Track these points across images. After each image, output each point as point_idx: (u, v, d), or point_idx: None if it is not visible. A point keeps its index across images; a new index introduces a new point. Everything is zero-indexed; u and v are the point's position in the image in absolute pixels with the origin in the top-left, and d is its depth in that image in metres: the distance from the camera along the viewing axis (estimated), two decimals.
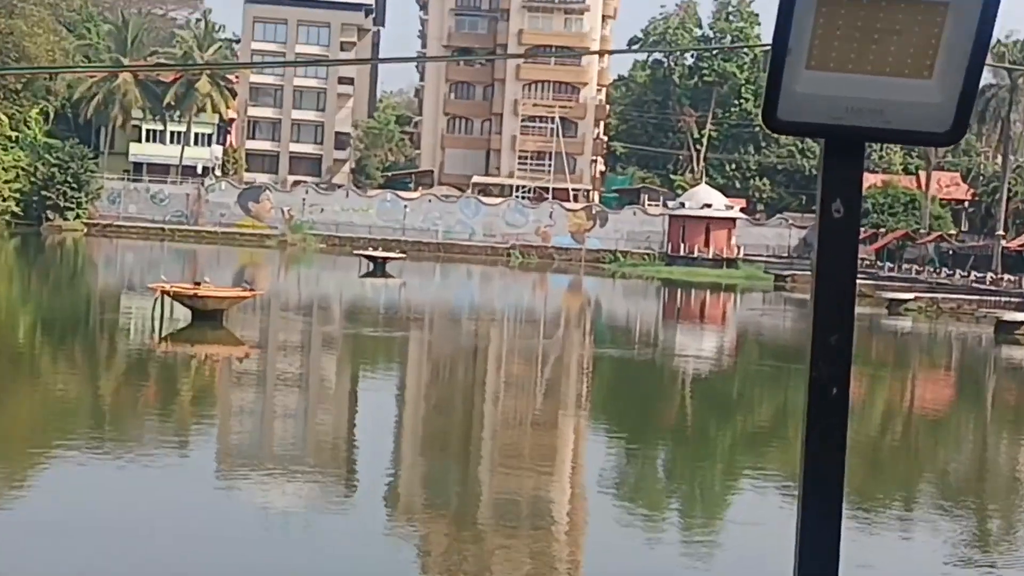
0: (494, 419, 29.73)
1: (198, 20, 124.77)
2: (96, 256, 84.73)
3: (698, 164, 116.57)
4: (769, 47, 2.62)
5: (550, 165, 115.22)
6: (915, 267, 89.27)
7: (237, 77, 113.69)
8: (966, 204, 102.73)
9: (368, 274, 77.04)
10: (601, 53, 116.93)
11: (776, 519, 19.45)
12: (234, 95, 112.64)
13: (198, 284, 43.72)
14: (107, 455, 22.04)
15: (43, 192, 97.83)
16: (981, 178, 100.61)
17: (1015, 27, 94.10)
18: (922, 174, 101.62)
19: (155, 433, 24.64)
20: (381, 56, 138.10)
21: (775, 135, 2.80)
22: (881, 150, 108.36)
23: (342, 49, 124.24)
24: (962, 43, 2.59)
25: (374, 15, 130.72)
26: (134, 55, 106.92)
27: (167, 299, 41.89)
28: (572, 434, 28.94)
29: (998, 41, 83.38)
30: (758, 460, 26.29)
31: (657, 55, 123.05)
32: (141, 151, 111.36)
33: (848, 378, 2.68)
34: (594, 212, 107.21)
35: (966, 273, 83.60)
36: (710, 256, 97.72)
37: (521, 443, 26.48)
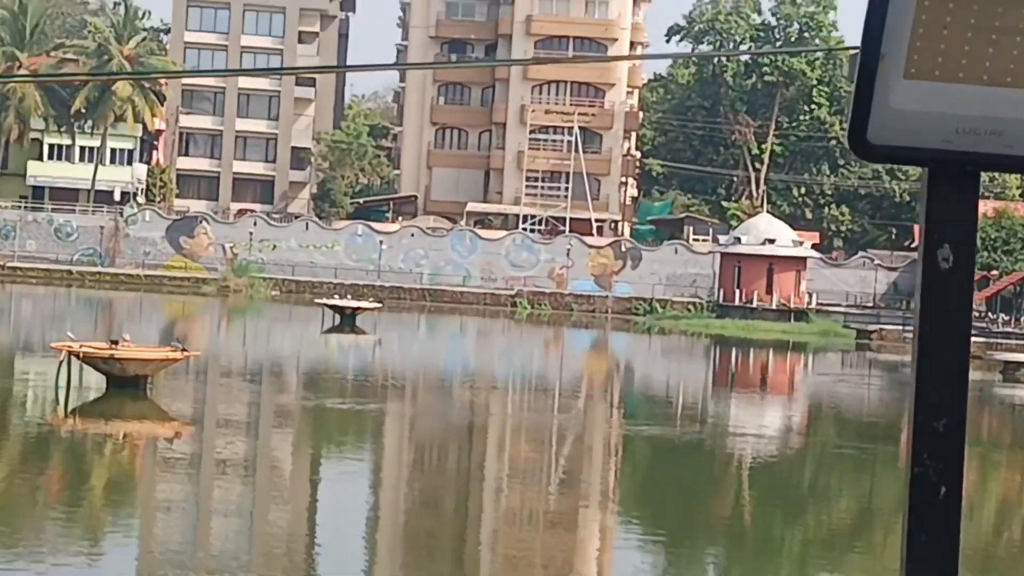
0: (495, 517, 29.64)
1: (117, 4, 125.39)
2: None
3: (757, 188, 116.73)
4: (856, 50, 2.62)
5: (567, 189, 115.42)
6: None
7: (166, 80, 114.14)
8: None
9: (333, 328, 76.98)
10: (633, 58, 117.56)
11: None
12: (162, 100, 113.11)
13: (115, 343, 43.68)
14: None
15: None
16: None
17: None
18: None
19: (59, 536, 24.58)
20: (349, 55, 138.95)
21: (864, 161, 2.83)
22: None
23: (300, 40, 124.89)
24: None
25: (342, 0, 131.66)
26: (34, 48, 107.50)
27: (75, 362, 41.85)
28: (596, 537, 28.84)
29: None
30: (837, 572, 26.17)
31: (705, 47, 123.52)
32: (43, 172, 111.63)
33: (961, 475, 2.66)
34: (624, 249, 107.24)
35: None
36: (774, 306, 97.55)
37: (530, 549, 26.38)
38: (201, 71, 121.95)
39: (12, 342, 64.19)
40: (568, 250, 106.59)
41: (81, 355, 42.04)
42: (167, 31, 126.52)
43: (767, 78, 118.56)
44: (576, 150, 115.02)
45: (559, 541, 27.62)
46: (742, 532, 30.42)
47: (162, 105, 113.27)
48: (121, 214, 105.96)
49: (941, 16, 2.58)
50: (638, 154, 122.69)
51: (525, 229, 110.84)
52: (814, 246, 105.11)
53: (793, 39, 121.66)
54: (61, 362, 41.63)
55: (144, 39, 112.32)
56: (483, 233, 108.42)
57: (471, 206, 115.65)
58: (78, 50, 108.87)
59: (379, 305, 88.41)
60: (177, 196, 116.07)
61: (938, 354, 2.70)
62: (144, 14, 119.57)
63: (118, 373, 41.76)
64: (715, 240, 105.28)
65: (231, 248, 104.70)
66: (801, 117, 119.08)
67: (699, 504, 33.03)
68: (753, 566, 26.55)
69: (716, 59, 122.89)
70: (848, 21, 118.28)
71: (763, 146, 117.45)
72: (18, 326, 73.91)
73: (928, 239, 2.69)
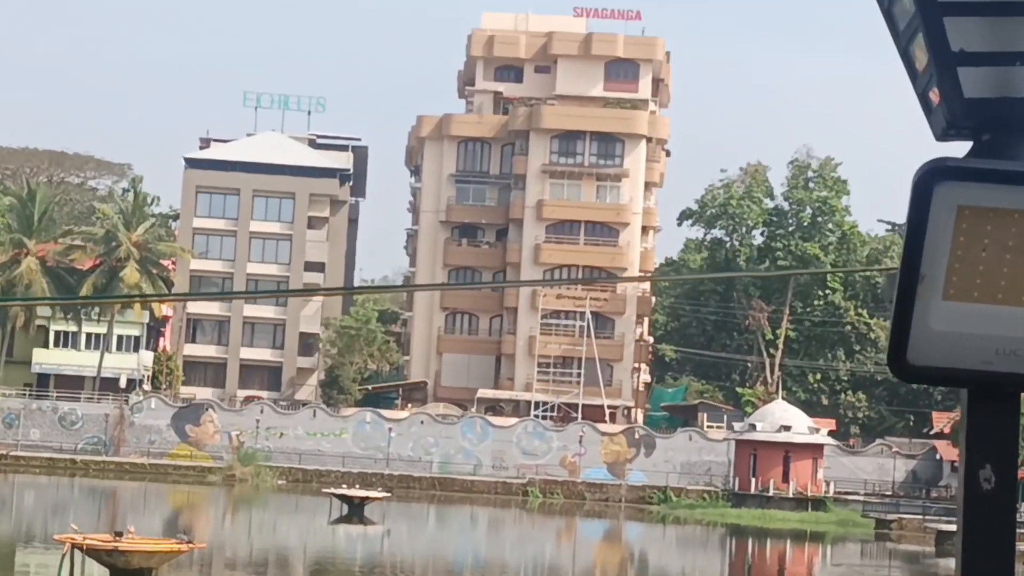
0: None
1: (125, 191, 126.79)
2: None
3: (772, 374, 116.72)
4: (896, 271, 2.70)
5: (579, 375, 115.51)
6: None
7: (174, 263, 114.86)
8: None
9: (342, 519, 76.60)
10: (651, 279, 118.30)
11: None
12: (170, 286, 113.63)
13: (119, 534, 43.56)
14: None
15: None
16: None
17: None
18: None
19: None
20: (364, 241, 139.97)
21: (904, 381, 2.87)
22: None
23: (310, 226, 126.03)
24: None
25: (351, 183, 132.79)
26: (42, 235, 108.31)
27: (79, 554, 41.60)
28: None
29: None
30: None
31: (717, 234, 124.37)
32: (48, 359, 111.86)
33: None
34: (637, 437, 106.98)
35: None
36: (791, 495, 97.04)
37: None
38: (202, 294, 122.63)
39: (14, 534, 63.82)
40: (580, 437, 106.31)
41: (84, 547, 41.88)
42: (176, 217, 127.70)
43: (780, 262, 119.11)
44: (588, 335, 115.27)
45: None
46: None
47: (169, 291, 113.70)
48: (127, 402, 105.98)
49: (979, 239, 2.65)
50: (651, 339, 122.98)
51: (537, 416, 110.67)
52: (831, 433, 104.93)
53: (806, 224, 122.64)
54: (64, 555, 41.46)
55: (152, 225, 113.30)
56: (494, 420, 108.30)
57: (482, 392, 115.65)
58: (86, 236, 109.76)
59: (388, 494, 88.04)
60: (183, 383, 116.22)
61: (983, 571, 2.73)
62: (153, 200, 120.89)
63: (122, 566, 41.55)
64: (730, 427, 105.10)
65: (237, 436, 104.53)
66: (816, 302, 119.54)
67: None
68: None
69: (729, 242, 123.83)
70: (859, 206, 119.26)
71: (777, 331, 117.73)
72: (20, 517, 73.51)
73: (969, 460, 2.75)
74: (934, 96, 2.84)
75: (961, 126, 2.81)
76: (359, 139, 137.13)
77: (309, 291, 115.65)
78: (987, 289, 2.69)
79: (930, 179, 2.66)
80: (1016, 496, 2.83)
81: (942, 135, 2.85)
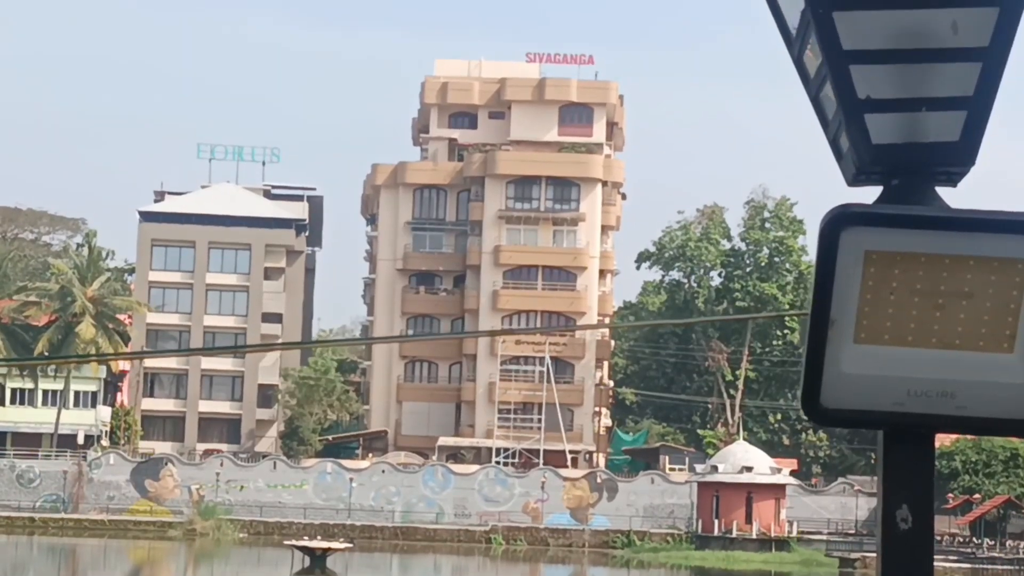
0: None
1: (79, 245, 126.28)
2: None
3: (733, 415, 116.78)
4: (807, 315, 2.77)
5: (540, 420, 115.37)
6: (1023, 543, 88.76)
7: (130, 317, 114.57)
8: None
9: (303, 572, 76.33)
10: (610, 327, 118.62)
11: None
12: (126, 341, 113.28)
13: None
14: None
15: None
16: None
17: None
18: None
19: None
20: (320, 291, 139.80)
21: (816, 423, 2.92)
22: None
23: (266, 277, 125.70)
24: None
25: (307, 233, 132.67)
26: None
27: None
28: None
29: None
30: None
31: (675, 276, 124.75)
32: (4, 416, 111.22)
33: None
34: (599, 481, 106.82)
35: None
36: (754, 536, 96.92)
37: None
38: (159, 352, 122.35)
39: None
40: (543, 483, 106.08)
41: None
42: (131, 270, 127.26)
43: (739, 303, 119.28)
44: (548, 381, 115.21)
45: None
46: None
47: (127, 346, 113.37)
48: (85, 458, 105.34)
49: (888, 282, 2.71)
50: (611, 383, 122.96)
51: (498, 462, 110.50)
52: (792, 473, 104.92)
53: (763, 264, 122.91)
54: None
55: (108, 280, 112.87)
56: (456, 468, 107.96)
57: (442, 440, 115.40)
58: (41, 292, 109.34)
59: (350, 545, 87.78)
60: (142, 438, 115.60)
61: None
62: (108, 254, 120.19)
63: None
64: (692, 469, 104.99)
65: (197, 490, 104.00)
66: (774, 342, 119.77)
67: None
68: None
69: (687, 284, 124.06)
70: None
71: (737, 372, 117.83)
72: None
73: (887, 501, 2.82)
74: (843, 143, 2.91)
75: (870, 171, 2.87)
76: (314, 188, 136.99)
77: (266, 346, 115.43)
78: (897, 332, 2.73)
79: (836, 225, 2.70)
80: (932, 535, 2.85)
81: (853, 181, 2.91)
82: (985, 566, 79.05)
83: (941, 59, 2.79)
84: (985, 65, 2.79)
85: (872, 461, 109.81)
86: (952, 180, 2.87)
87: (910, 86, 2.81)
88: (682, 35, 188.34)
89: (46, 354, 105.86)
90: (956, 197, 2.88)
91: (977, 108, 2.81)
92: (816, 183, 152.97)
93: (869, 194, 2.88)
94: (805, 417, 2.81)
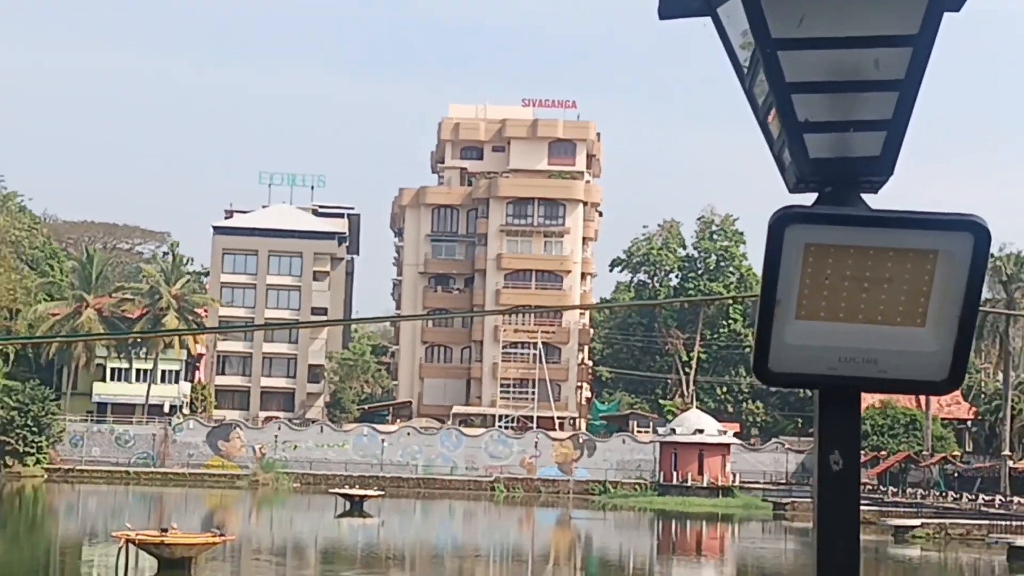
0: None
1: (165, 253, 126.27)
2: (56, 504, 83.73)
3: (688, 388, 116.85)
4: (757, 297, 2.76)
5: (533, 392, 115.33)
6: (920, 491, 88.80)
7: (206, 311, 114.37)
8: (969, 424, 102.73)
9: (345, 514, 76.22)
10: (584, 308, 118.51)
11: None
12: (200, 334, 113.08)
13: (164, 531, 43.28)
14: None
15: (1, 438, 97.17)
16: (983, 396, 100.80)
17: (1008, 240, 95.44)
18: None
19: None
20: (358, 291, 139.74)
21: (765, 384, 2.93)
22: None
23: (315, 279, 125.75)
24: (953, 291, 2.73)
25: (347, 243, 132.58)
26: (98, 291, 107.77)
27: (132, 548, 41.38)
28: None
29: (992, 255, 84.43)
30: None
31: (642, 277, 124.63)
32: (105, 391, 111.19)
33: None
34: (581, 441, 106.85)
35: (973, 496, 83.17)
36: (704, 484, 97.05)
37: None
38: (227, 327, 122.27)
39: (79, 533, 63.38)
40: (536, 443, 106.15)
41: (136, 542, 41.63)
42: (206, 274, 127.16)
43: (691, 303, 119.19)
44: (540, 361, 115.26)
45: None
46: None
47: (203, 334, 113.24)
48: (169, 424, 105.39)
49: (823, 270, 2.71)
50: (590, 363, 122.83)
51: (500, 426, 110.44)
52: (736, 434, 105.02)
53: (712, 268, 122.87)
54: (120, 548, 41.21)
55: (188, 281, 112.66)
56: (466, 431, 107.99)
57: (456, 409, 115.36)
58: (134, 291, 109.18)
59: (382, 493, 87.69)
60: (215, 407, 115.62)
61: (833, 535, 2.80)
62: (188, 260, 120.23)
63: (167, 556, 41.32)
64: (655, 432, 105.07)
65: (259, 449, 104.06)
66: (721, 330, 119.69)
67: None
68: None
69: (651, 284, 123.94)
70: (755, 251, 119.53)
71: (691, 354, 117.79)
72: (84, 519, 72.99)
73: (821, 447, 2.81)
74: (786, 158, 2.89)
75: (808, 181, 2.85)
76: (353, 208, 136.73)
77: (306, 323, 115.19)
78: (830, 310, 2.73)
79: (782, 223, 2.70)
80: (859, 475, 2.86)
81: (794, 188, 2.89)
82: (890, 508, 79.00)
83: (866, 89, 2.79)
84: (901, 94, 2.79)
85: (799, 425, 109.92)
86: (874, 188, 2.86)
87: (840, 111, 2.80)
88: (649, 83, 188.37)
89: (138, 340, 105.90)
90: (877, 201, 2.87)
91: (895, 129, 2.81)
92: (754, 203, 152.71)
93: (807, 199, 2.87)
94: (756, 380, 2.82)
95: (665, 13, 2.91)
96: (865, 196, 2.85)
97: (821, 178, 2.83)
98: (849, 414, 2.84)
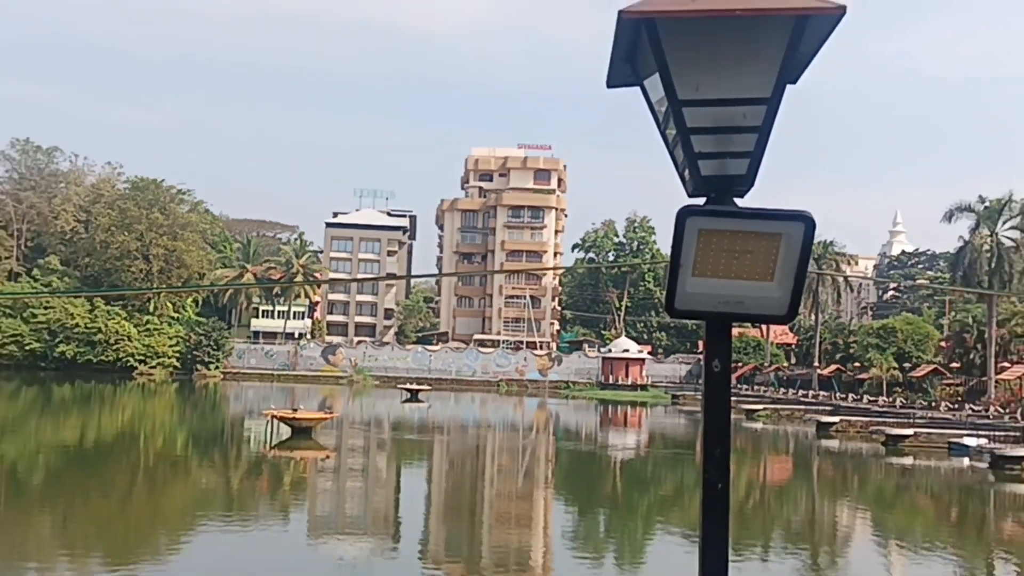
0: (491, 492, 29.34)
1: (295, 238, 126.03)
2: (228, 394, 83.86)
3: (620, 324, 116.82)
4: (667, 262, 2.75)
5: (524, 326, 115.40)
6: (762, 388, 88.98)
7: (320, 274, 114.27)
8: (793, 346, 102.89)
9: (407, 400, 76.44)
10: (550, 269, 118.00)
11: (677, 553, 19.13)
12: (317, 286, 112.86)
13: (295, 410, 43.46)
14: (235, 524, 21.70)
15: (194, 352, 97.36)
16: (802, 329, 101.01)
17: (818, 232, 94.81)
18: (763, 326, 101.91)
19: (267, 509, 24.31)
20: (414, 264, 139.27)
21: (672, 317, 2.91)
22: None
23: (388, 255, 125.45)
24: (791, 259, 2.71)
25: (408, 233, 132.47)
26: (254, 262, 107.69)
27: (275, 421, 41.55)
28: (541, 501, 28.55)
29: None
30: (667, 517, 25.94)
31: (591, 255, 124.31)
32: (258, 324, 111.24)
33: (728, 477, 2.74)
34: (553, 356, 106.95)
35: (795, 391, 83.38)
36: (629, 384, 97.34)
37: (508, 509, 26.12)
38: (333, 279, 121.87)
39: (243, 411, 63.52)
40: (525, 357, 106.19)
41: (278, 417, 41.75)
42: (321, 251, 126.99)
43: (623, 269, 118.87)
44: (528, 307, 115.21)
45: (522, 505, 27.32)
46: (617, 498, 30.13)
47: (319, 288, 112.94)
48: (298, 344, 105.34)
49: (710, 245, 2.68)
50: (560, 308, 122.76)
51: (504, 347, 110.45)
52: (649, 352, 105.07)
53: (635, 250, 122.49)
54: (267, 421, 41.33)
55: (309, 255, 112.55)
56: (482, 350, 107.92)
57: (476, 336, 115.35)
58: (275, 262, 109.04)
59: (430, 388, 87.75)
60: (327, 334, 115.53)
61: (715, 414, 2.78)
62: (310, 243, 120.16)
63: (297, 426, 41.45)
64: (599, 351, 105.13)
65: (354, 360, 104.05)
66: (641, 288, 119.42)
67: (594, 483, 32.71)
68: (624, 515, 26.29)
69: (596, 260, 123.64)
70: (662, 239, 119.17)
71: (622, 303, 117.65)
72: (245, 404, 73.09)
73: (708, 357, 2.81)
74: (687, 175, 2.81)
75: (700, 189, 2.79)
76: (412, 211, 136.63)
77: (382, 277, 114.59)
78: (714, 270, 2.68)
79: (684, 215, 2.66)
80: (730, 376, 2.81)
81: (691, 194, 2.82)
82: (744, 399, 79.07)
83: (738, 132, 2.74)
84: (759, 135, 2.74)
85: (687, 347, 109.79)
86: (742, 194, 2.81)
87: (721, 145, 2.75)
88: (598, 130, 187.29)
89: (278, 293, 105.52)
90: (745, 202, 2.83)
91: (755, 157, 2.76)
92: (663, 206, 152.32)
93: (699, 201, 2.83)
94: (667, 315, 2.85)
95: (611, 83, 2.85)
96: (737, 200, 2.83)
97: (709, 188, 2.80)
98: (725, 336, 2.81)
